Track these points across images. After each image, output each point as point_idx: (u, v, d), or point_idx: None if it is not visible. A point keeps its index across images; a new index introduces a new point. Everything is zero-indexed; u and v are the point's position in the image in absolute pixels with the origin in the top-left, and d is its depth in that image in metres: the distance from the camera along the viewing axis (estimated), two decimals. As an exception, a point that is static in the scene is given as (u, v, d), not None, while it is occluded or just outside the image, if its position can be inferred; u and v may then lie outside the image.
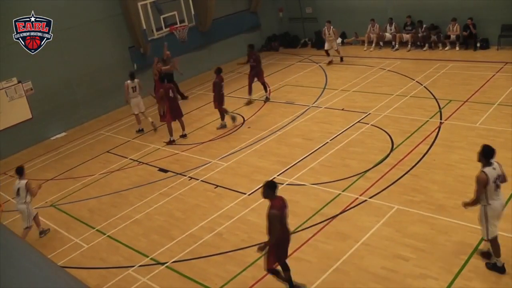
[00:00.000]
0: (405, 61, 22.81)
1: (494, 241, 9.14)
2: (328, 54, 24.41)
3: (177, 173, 15.24)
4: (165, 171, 15.56)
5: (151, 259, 11.38)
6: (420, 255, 10.00)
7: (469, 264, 9.55)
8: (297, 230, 11.39)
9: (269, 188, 8.81)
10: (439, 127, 15.31)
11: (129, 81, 18.82)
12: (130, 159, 17.12)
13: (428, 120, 15.81)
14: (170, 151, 16.81)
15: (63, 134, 21.11)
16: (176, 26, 22.60)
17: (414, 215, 11.30)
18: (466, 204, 9.28)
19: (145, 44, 22.92)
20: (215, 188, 14.08)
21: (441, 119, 15.91)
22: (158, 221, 12.98)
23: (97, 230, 13.05)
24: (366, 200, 12.11)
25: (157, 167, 15.99)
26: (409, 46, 24.58)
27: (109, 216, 13.60)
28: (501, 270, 9.20)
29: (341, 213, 11.81)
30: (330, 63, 24.15)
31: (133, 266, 11.21)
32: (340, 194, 12.59)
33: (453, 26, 23.02)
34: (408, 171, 13.17)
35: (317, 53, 26.58)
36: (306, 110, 18.38)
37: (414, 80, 19.79)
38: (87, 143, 19.66)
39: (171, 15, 22.56)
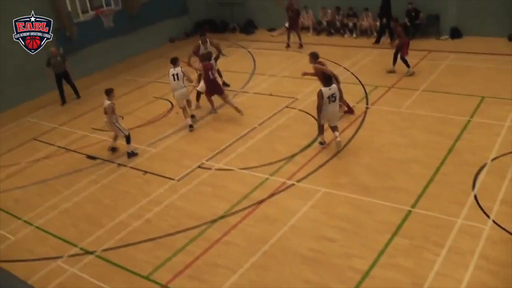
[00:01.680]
0: (333, 48, 23.11)
1: (321, 126, 13.70)
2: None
3: (106, 160, 15.03)
4: (94, 158, 15.29)
5: (80, 248, 11.22)
6: (345, 236, 10.31)
7: (393, 242, 9.93)
8: (225, 215, 11.53)
9: (202, 58, 16.19)
10: (366, 112, 15.70)
11: (171, 68, 16.21)
12: (58, 146, 16.73)
13: (354, 105, 16.13)
14: (98, 137, 16.51)
15: (-15, 122, 20.32)
16: (103, 9, 22.21)
17: (340, 197, 11.62)
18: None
19: (71, 27, 22.35)
20: (143, 174, 14.01)
21: (367, 104, 16.30)
22: (87, 210, 12.79)
23: (24, 221, 12.68)
24: (293, 184, 12.34)
25: (85, 154, 15.68)
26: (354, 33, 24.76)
27: (36, 206, 13.22)
28: (321, 144, 13.80)
29: (269, 197, 11.99)
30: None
31: (61, 257, 11.03)
32: (268, 178, 12.77)
33: (366, 16, 23.72)
34: (335, 155, 13.48)
35: (245, 38, 26.62)
36: (235, 95, 18.41)
37: (341, 66, 20.14)
38: (11, 131, 18.92)
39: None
